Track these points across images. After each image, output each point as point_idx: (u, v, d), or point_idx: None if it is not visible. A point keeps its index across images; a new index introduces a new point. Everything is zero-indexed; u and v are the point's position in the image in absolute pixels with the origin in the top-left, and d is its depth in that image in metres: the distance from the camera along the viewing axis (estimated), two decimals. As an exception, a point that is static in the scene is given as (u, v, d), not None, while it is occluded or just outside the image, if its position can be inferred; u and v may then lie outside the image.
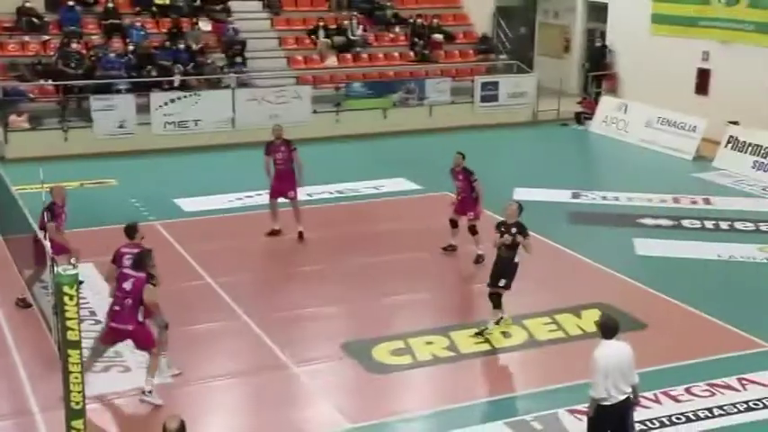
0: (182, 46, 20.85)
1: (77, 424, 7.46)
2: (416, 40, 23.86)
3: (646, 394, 8.76)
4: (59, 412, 7.56)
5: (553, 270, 12.76)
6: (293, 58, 22.61)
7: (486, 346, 10.44)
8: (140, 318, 8.85)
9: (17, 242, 11.12)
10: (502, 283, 10.54)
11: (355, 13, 23.85)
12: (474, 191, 13.00)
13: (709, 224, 15.04)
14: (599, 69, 24.40)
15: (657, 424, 8.71)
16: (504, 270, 10.54)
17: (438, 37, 24.09)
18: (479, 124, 22.37)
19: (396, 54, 23.69)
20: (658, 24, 22.60)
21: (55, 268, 8.27)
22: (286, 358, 10.01)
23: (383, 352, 10.18)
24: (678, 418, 8.83)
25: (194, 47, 21.13)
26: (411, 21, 24.21)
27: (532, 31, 27.78)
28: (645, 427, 8.57)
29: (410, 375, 9.84)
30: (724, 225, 15.01)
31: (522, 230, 10.51)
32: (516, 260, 10.53)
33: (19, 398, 9.04)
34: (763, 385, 9.49)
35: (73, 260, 9.07)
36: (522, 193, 16.53)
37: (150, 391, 8.89)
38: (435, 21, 24.39)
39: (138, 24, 21.25)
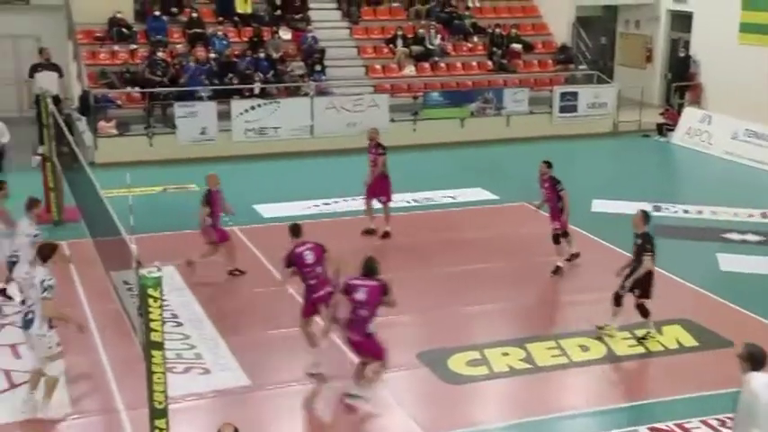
0: (262, 54, 21.22)
1: (160, 423, 7.61)
2: (495, 49, 23.77)
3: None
4: (143, 411, 7.73)
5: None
6: (371, 67, 22.77)
7: (563, 359, 10.30)
8: (371, 329, 8.92)
9: (105, 244, 11.42)
10: (636, 292, 10.52)
11: (434, 22, 23.89)
12: (560, 200, 12.82)
13: (798, 241, 14.58)
14: (682, 80, 23.89)
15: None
16: (638, 279, 10.44)
17: (516, 46, 23.95)
18: (557, 135, 22.14)
19: (474, 63, 23.64)
20: (747, 33, 22.01)
21: (140, 270, 8.46)
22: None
23: (459, 362, 10.14)
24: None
25: (274, 55, 21.48)
26: (489, 30, 24.13)
27: (613, 41, 27.38)
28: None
29: (485, 387, 9.77)
30: (814, 242, 14.52)
31: (644, 243, 10.36)
32: (647, 269, 10.39)
33: (105, 395, 9.30)
34: None
35: (158, 263, 9.29)
36: (600, 205, 16.32)
37: (359, 396, 8.97)
38: (514, 30, 24.26)
39: (221, 33, 21.70)
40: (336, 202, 16.41)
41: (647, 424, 8.74)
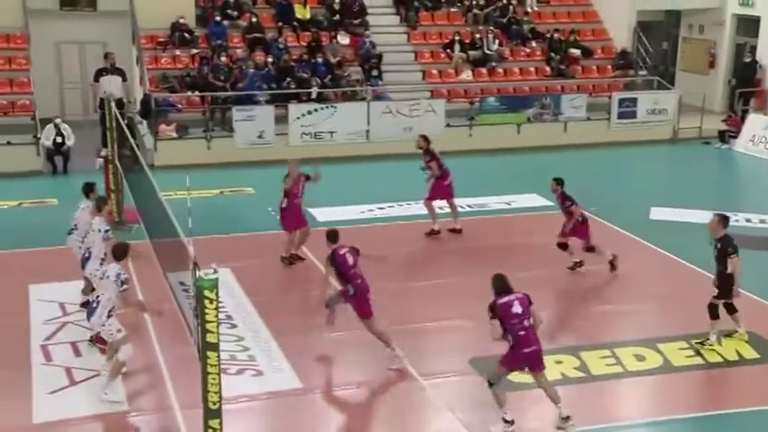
0: (320, 59, 21.39)
1: (214, 423, 7.71)
2: (553, 54, 23.57)
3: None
4: (197, 411, 7.85)
5: (693, 293, 12.23)
6: (428, 72, 22.78)
7: (618, 369, 10.15)
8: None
9: (163, 245, 11.64)
10: (714, 292, 10.51)
11: (491, 27, 23.80)
12: (570, 216, 12.91)
13: None
14: (747, 86, 23.37)
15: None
16: (720, 281, 10.45)
17: (575, 52, 23.72)
18: (616, 141, 21.86)
19: (531, 69, 23.48)
20: (816, 38, 21.45)
21: (197, 272, 8.59)
22: (413, 370, 10.05)
23: (511, 369, 10.05)
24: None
25: (332, 60, 21.63)
26: (548, 35, 23.94)
27: (675, 46, 26.92)
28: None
29: (538, 394, 9.66)
30: None
31: (725, 246, 10.35)
32: (728, 271, 10.36)
33: (160, 394, 9.47)
34: None
35: (214, 265, 9.43)
36: (659, 213, 16.05)
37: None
38: (573, 35, 24.03)
39: (280, 38, 21.93)
40: (391, 206, 16.45)
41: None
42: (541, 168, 19.65)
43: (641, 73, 24.19)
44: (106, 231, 10.93)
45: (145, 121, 20.29)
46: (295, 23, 22.67)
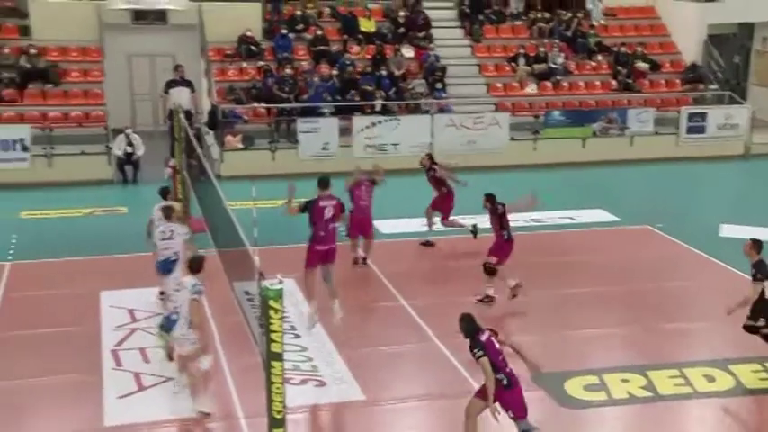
0: (384, 72, 21.50)
1: (278, 432, 7.79)
2: (619, 68, 23.28)
3: None
4: (261, 420, 7.93)
5: None
6: (492, 85, 22.72)
7: (687, 389, 9.93)
8: None
9: (229, 255, 11.82)
10: (761, 322, 10.26)
11: (557, 41, 23.63)
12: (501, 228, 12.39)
13: None
14: (821, 101, 22.73)
15: None
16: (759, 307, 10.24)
17: (642, 65, 23.38)
18: (684, 157, 21.48)
19: (597, 83, 23.23)
20: None
21: (262, 282, 8.69)
22: (475, 383, 9.97)
23: (576, 386, 9.94)
24: None
25: (396, 73, 21.73)
26: (615, 49, 23.66)
27: (747, 59, 26.31)
28: None
29: (604, 412, 9.54)
30: None
31: (755, 271, 10.15)
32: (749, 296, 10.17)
33: (225, 402, 9.59)
34: None
35: (279, 275, 9.53)
36: (729, 230, 15.68)
37: None
38: (640, 49, 23.70)
39: (345, 51, 22.12)
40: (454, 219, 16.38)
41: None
42: (607, 183, 19.46)
43: (712, 87, 23.71)
44: (185, 234, 11.20)
45: (212, 132, 20.65)
46: (360, 36, 22.85)
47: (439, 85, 21.86)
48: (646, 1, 25.73)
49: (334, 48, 22.30)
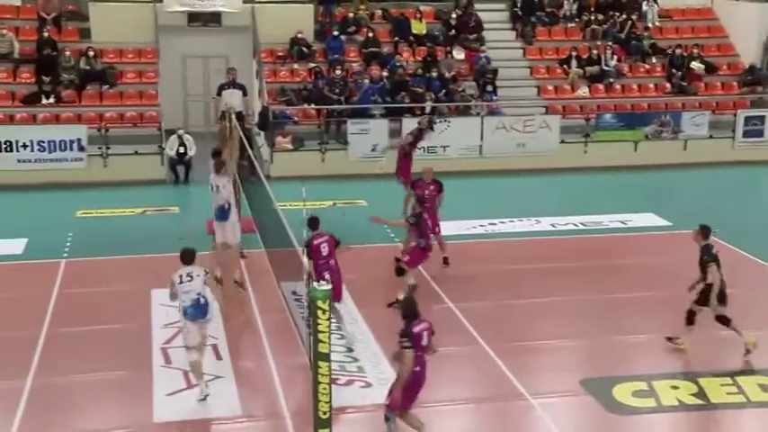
0: (434, 74, 21.48)
1: (323, 432, 7.85)
2: (674, 71, 22.91)
3: None
4: (307, 419, 8.00)
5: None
6: (543, 88, 22.54)
7: (740, 398, 9.74)
8: None
9: (278, 255, 11.94)
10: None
11: (610, 43, 23.35)
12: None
13: None
14: None
15: None
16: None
17: (698, 67, 22.97)
18: (740, 161, 21.06)
19: (650, 85, 22.90)
20: None
21: (311, 282, 8.76)
22: (522, 388, 9.93)
23: (624, 392, 9.81)
24: None
25: (446, 75, 21.69)
26: (669, 51, 23.29)
27: (809, 61, 25.66)
28: None
29: (653, 419, 9.40)
30: None
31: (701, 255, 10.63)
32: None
33: (272, 401, 9.67)
34: None
35: (327, 277, 9.61)
36: (786, 237, 15.36)
37: None
38: (696, 51, 23.29)
39: (395, 53, 22.14)
40: (503, 222, 16.34)
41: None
42: (659, 187, 19.16)
43: (770, 90, 23.23)
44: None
45: (262, 133, 20.85)
46: (411, 38, 22.86)
47: (489, 88, 21.74)
48: (703, 2, 25.29)
49: (385, 50, 22.34)
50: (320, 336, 7.88)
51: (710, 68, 23.17)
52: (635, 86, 22.83)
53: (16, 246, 14.68)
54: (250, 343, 11.13)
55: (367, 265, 13.51)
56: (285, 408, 9.47)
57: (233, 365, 10.42)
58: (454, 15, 23.28)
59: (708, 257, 10.61)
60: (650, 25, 24.32)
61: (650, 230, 15.98)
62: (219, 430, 9.17)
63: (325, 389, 7.91)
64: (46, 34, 20.84)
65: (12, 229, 15.46)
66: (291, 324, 10.82)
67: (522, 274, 13.80)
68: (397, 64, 21.70)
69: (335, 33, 22.31)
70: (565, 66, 22.85)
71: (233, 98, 20.12)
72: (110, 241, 15.06)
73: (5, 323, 11.49)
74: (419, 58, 22.30)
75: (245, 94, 20.91)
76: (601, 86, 22.56)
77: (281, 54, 22.07)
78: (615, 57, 23.00)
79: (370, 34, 22.43)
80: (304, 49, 22.05)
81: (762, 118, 21.70)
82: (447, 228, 15.86)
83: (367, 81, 21.07)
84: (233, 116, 15.78)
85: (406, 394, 8.24)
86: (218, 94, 20.94)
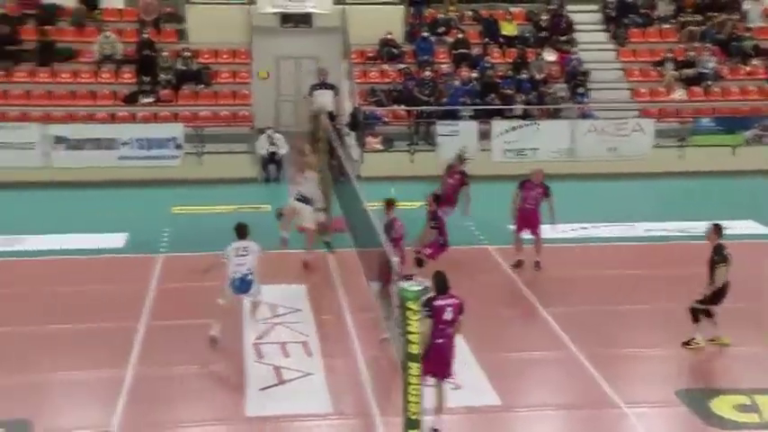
0: (525, 75, 21.26)
1: (413, 433, 7.83)
2: (777, 73, 22.14)
3: None
4: (396, 419, 7.99)
5: None
6: (637, 91, 22.06)
7: None
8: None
9: (367, 254, 11.99)
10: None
11: (709, 44, 22.67)
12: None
13: None
14: None
15: None
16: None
17: (804, 69, 22.14)
18: None
19: (752, 88, 22.14)
20: None
21: (401, 283, 8.76)
22: (615, 396, 9.72)
23: (725, 405, 9.47)
24: None
25: (537, 77, 21.44)
26: (772, 52, 22.51)
27: None
28: None
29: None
30: None
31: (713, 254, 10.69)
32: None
33: (361, 400, 9.71)
34: None
35: (418, 277, 9.58)
36: None
37: None
38: (804, 52, 22.44)
39: (485, 54, 22.00)
40: (596, 227, 16.04)
41: None
42: (759, 194, 18.49)
43: None
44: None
45: (353, 133, 21.00)
46: (501, 40, 22.68)
47: (581, 90, 21.42)
48: (814, 0, 24.37)
49: (475, 51, 22.22)
50: (411, 336, 7.86)
51: (816, 71, 22.29)
52: (735, 89, 22.12)
53: (118, 240, 15.23)
54: (340, 341, 11.22)
55: (455, 265, 13.41)
56: (375, 407, 9.49)
57: (323, 363, 10.51)
58: (545, 17, 23.00)
59: (718, 258, 10.60)
60: (752, 25, 23.51)
61: (749, 238, 15.42)
62: (310, 427, 9.25)
63: (415, 390, 7.89)
64: (146, 36, 21.50)
65: (113, 224, 15.99)
66: (380, 323, 10.86)
67: (615, 280, 13.51)
68: (487, 65, 21.57)
69: (425, 34, 22.32)
70: (659, 68, 22.30)
71: (324, 98, 20.38)
72: (204, 237, 15.36)
73: (107, 313, 11.89)
74: (509, 60, 22.11)
75: (336, 94, 21.15)
76: (698, 89, 21.93)
77: (371, 55, 22.20)
78: (714, 59, 22.32)
79: (460, 35, 22.36)
80: (394, 50, 22.13)
81: None
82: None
83: (456, 82, 21.01)
84: (323, 116, 15.97)
85: (425, 363, 8.20)
86: (310, 94, 21.24)
